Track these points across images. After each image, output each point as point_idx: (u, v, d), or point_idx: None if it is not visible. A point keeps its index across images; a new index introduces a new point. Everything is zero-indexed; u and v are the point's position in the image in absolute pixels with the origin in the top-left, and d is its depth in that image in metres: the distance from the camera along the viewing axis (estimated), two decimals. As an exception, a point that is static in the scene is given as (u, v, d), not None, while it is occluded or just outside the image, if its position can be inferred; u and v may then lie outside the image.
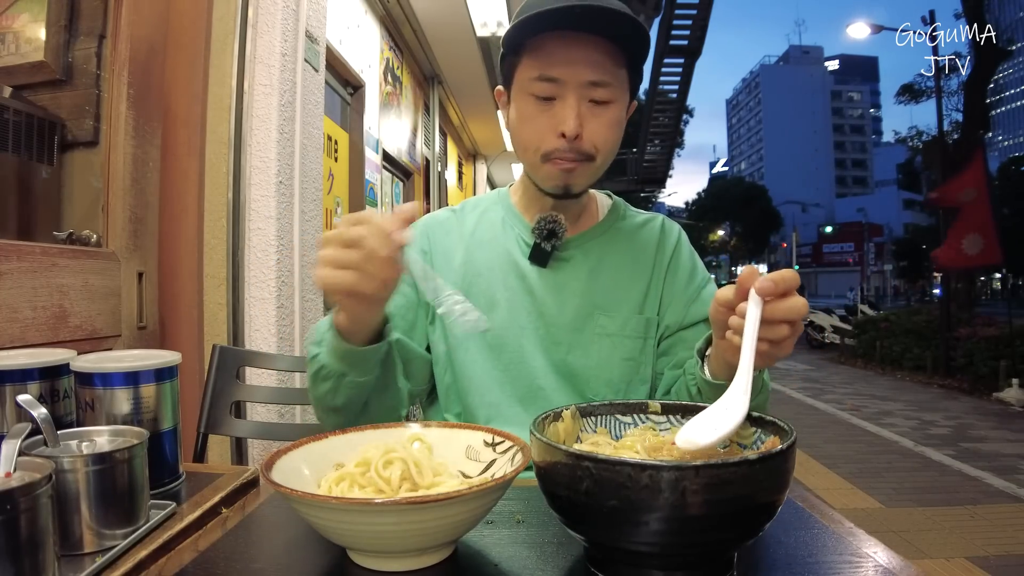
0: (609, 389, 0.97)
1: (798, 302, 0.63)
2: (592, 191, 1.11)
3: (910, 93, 15.13)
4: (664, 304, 1.03)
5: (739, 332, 0.64)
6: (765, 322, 0.63)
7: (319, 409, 0.87)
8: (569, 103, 0.89)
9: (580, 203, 1.05)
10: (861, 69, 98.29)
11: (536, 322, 0.99)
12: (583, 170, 0.93)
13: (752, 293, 0.63)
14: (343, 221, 0.68)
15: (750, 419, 0.61)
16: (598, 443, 0.64)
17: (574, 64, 0.89)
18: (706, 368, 0.80)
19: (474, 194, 4.70)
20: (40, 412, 0.60)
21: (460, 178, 6.96)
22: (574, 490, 0.49)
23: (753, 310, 0.62)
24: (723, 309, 0.69)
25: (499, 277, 1.01)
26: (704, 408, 0.61)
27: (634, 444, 0.62)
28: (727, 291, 0.68)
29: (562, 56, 0.89)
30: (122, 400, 0.73)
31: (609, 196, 1.14)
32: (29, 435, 0.57)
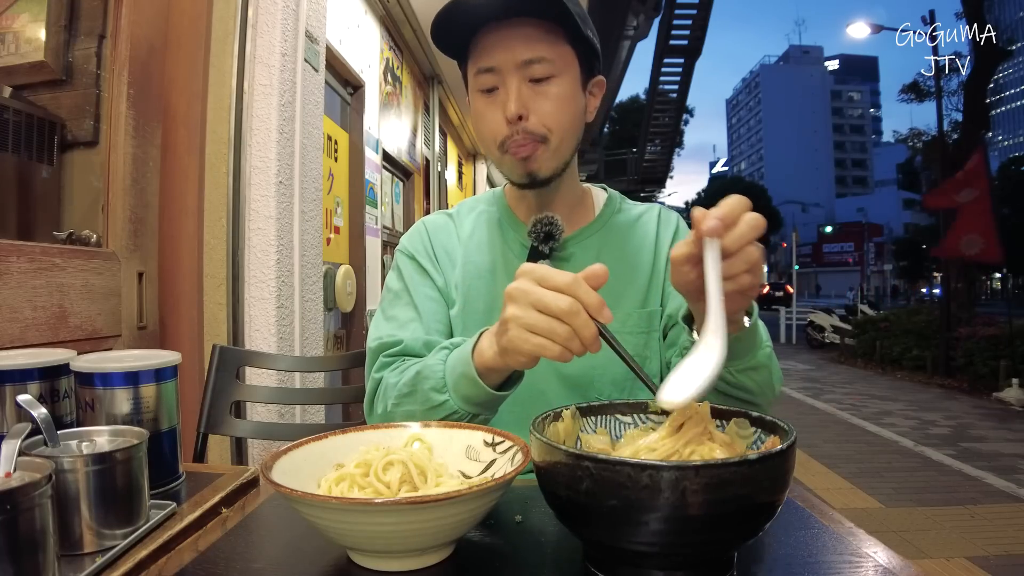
0: (615, 388, 0.96)
1: (748, 222, 0.59)
2: (587, 185, 1.10)
3: (915, 92, 15.09)
4: (666, 294, 1.01)
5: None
6: (725, 258, 0.59)
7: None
8: (508, 87, 0.90)
9: (574, 198, 1.04)
10: (861, 69, 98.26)
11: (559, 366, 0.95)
12: (541, 153, 0.92)
13: (705, 239, 0.59)
14: (538, 279, 0.65)
15: (749, 419, 0.61)
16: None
17: (505, 48, 0.89)
18: (695, 335, 0.75)
19: (474, 194, 4.70)
20: (40, 412, 0.60)
21: (460, 178, 6.95)
22: (574, 490, 0.49)
23: (710, 252, 0.58)
24: (686, 268, 0.64)
25: (499, 280, 1.00)
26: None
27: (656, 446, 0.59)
28: (681, 247, 0.63)
29: (493, 44, 0.90)
30: (122, 400, 0.73)
31: (604, 189, 1.12)
32: (29, 435, 0.57)
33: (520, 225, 1.03)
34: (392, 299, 1.03)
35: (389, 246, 3.78)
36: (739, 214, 0.59)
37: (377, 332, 0.99)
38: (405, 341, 0.95)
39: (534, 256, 0.98)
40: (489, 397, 0.77)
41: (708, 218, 0.58)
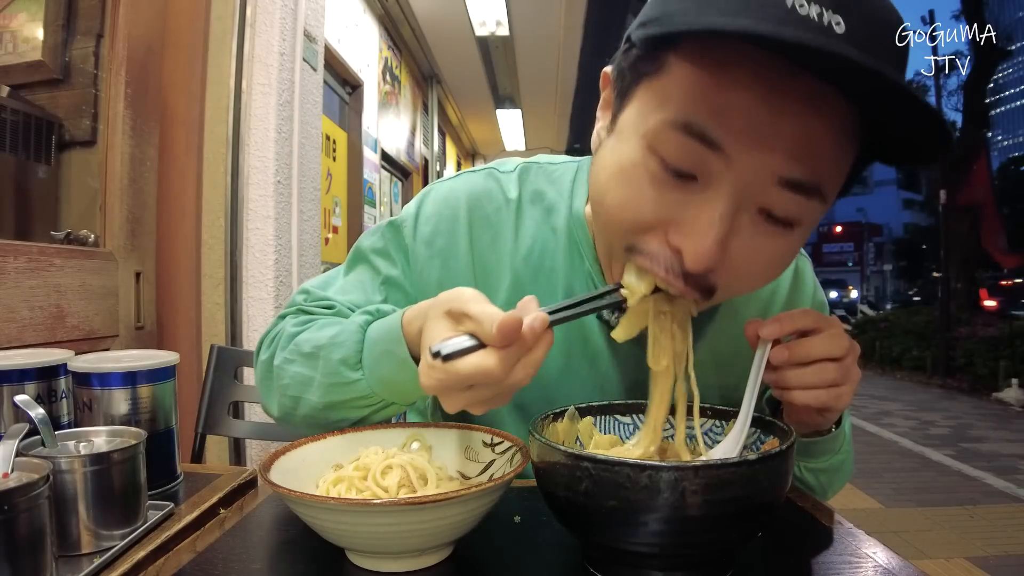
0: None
1: (822, 337, 0.56)
2: None
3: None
4: None
5: (777, 385, 0.59)
6: (798, 364, 0.57)
7: (312, 427, 0.71)
8: (715, 206, 0.51)
9: None
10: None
11: (591, 396, 0.75)
12: (693, 302, 0.58)
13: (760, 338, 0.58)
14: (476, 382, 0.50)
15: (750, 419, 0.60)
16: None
17: (767, 136, 0.48)
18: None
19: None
20: (37, 412, 0.59)
21: (459, 178, 6.96)
22: (573, 490, 0.49)
23: (759, 352, 0.59)
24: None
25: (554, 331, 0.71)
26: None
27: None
28: (752, 327, 0.59)
29: (754, 110, 0.48)
30: (120, 400, 0.73)
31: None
32: (26, 436, 0.56)
33: (595, 261, 0.74)
34: (363, 269, 0.81)
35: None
36: (803, 325, 0.58)
37: (311, 283, 0.83)
38: (336, 305, 0.77)
39: (602, 317, 0.74)
40: (415, 385, 0.59)
41: (769, 322, 0.57)
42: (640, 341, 0.60)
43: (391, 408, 0.69)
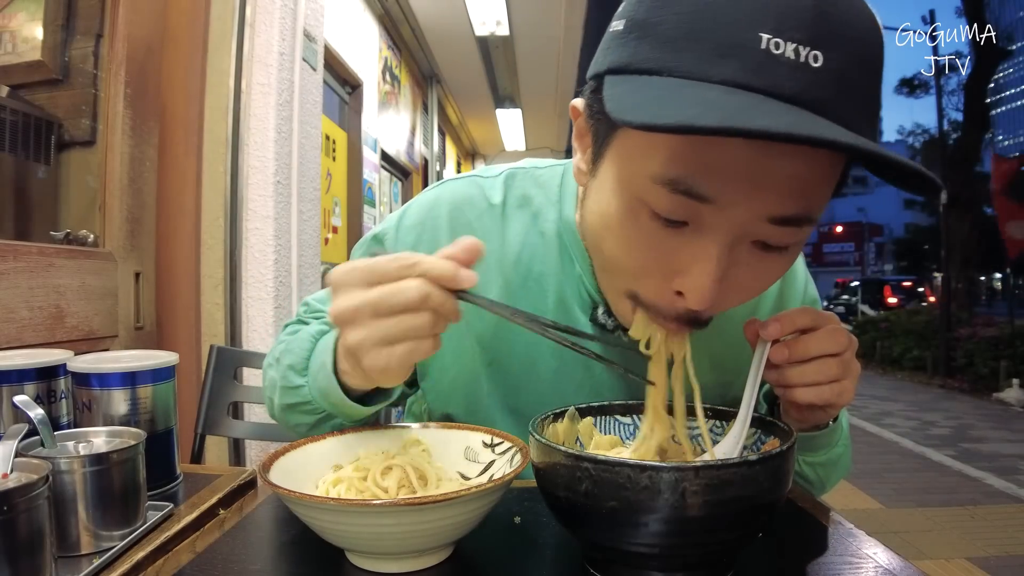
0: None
1: (820, 333, 0.57)
2: None
3: (908, 87, 15.38)
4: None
5: (779, 383, 0.60)
6: (799, 361, 0.58)
7: (288, 429, 0.75)
8: (711, 251, 0.50)
9: None
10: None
11: (587, 398, 0.73)
12: (683, 332, 0.58)
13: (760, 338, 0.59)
14: (363, 277, 0.51)
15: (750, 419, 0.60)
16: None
17: (757, 186, 0.48)
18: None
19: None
20: (37, 413, 0.59)
21: (459, 178, 6.96)
22: (573, 491, 0.49)
23: (758, 351, 0.60)
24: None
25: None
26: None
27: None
28: (752, 326, 0.60)
29: (741, 164, 0.47)
30: (119, 401, 0.72)
31: None
32: (26, 436, 0.56)
33: (588, 266, 0.73)
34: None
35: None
36: (801, 323, 0.58)
37: (312, 296, 0.85)
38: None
39: (598, 321, 0.74)
40: (347, 408, 0.63)
41: (769, 323, 0.58)
42: (637, 347, 0.61)
43: (335, 420, 0.69)
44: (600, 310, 0.73)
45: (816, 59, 0.44)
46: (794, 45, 0.44)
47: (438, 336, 0.53)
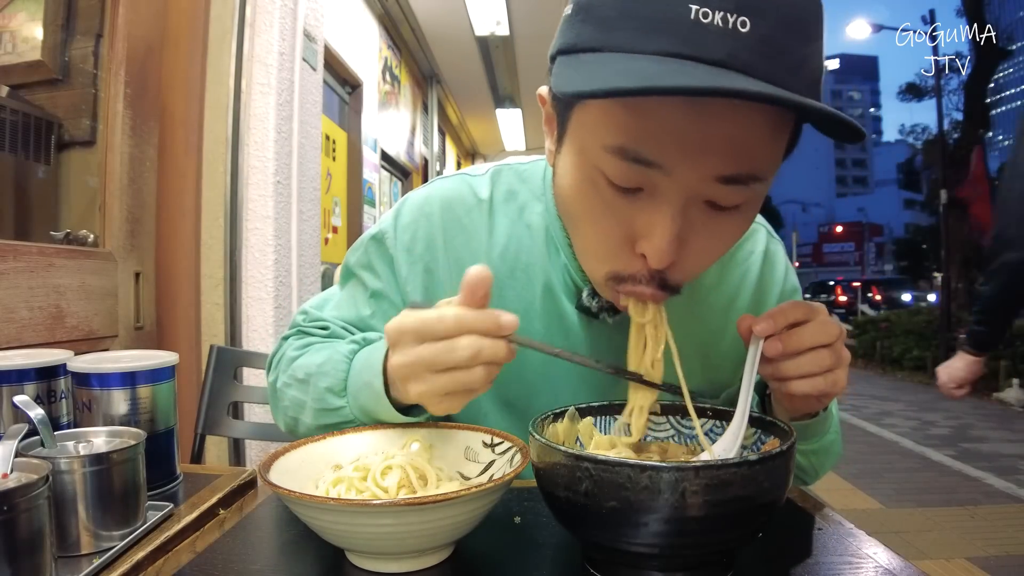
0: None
1: (813, 325, 0.58)
2: None
3: (914, 92, 15.26)
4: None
5: (775, 377, 0.61)
6: (790, 355, 0.59)
7: (297, 435, 0.76)
8: (665, 212, 0.53)
9: None
10: (861, 68, 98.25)
11: (576, 387, 0.77)
12: (660, 299, 0.61)
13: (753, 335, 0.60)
14: (416, 336, 0.56)
15: (750, 419, 0.60)
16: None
17: (697, 147, 0.50)
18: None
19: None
20: (37, 413, 0.59)
21: (459, 178, 6.97)
22: (573, 491, 0.49)
23: (752, 348, 0.60)
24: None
25: (535, 324, 0.77)
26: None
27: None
28: (745, 322, 0.61)
29: (679, 127, 0.50)
30: (119, 401, 0.72)
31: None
32: (26, 436, 0.56)
33: (572, 253, 0.75)
34: (353, 285, 0.85)
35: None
36: (793, 318, 0.59)
37: (310, 303, 0.87)
38: (330, 325, 0.82)
39: (584, 306, 0.75)
40: (392, 418, 0.67)
41: (762, 319, 0.59)
42: (622, 330, 0.64)
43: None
44: (585, 292, 0.74)
45: (744, 24, 0.46)
46: (722, 13, 0.46)
47: (490, 382, 0.57)
